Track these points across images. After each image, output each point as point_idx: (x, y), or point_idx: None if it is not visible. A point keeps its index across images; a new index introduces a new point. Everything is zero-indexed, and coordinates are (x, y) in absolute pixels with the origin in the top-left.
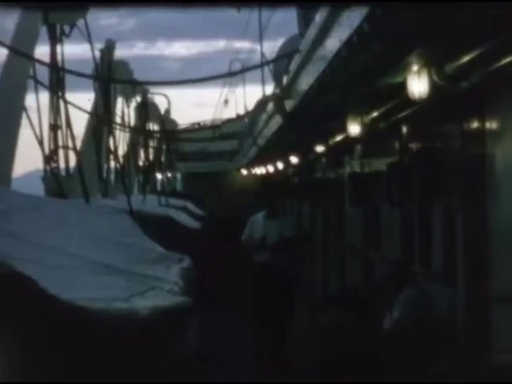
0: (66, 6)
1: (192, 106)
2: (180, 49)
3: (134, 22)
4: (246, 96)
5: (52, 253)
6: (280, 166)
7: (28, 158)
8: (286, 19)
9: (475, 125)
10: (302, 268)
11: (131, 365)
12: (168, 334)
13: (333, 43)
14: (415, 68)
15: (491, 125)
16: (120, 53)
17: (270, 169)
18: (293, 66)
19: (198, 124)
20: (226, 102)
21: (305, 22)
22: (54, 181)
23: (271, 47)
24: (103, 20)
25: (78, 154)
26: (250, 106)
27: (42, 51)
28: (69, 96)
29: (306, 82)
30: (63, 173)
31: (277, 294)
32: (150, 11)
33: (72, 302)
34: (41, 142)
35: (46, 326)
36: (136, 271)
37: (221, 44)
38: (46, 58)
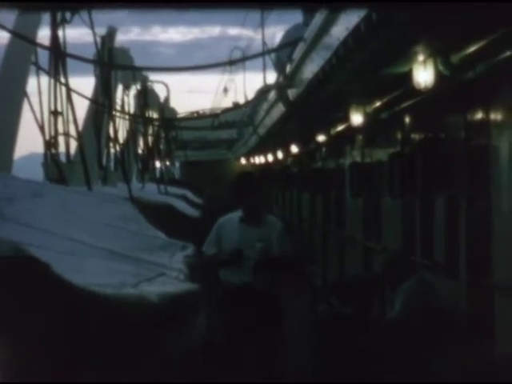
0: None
1: (187, 92)
2: (175, 35)
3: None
4: (246, 83)
5: (58, 239)
6: (280, 155)
7: (23, 142)
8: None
9: (479, 115)
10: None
11: (142, 351)
12: (177, 320)
13: (339, 31)
14: (421, 58)
15: (496, 116)
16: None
17: (270, 158)
18: (297, 54)
19: (197, 112)
20: (226, 90)
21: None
22: (55, 167)
23: (270, 33)
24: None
25: (80, 140)
26: (250, 94)
27: (40, 35)
28: (68, 80)
29: (310, 70)
30: (62, 158)
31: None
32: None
33: (85, 287)
34: (41, 128)
35: (61, 310)
36: (142, 258)
37: (216, 31)
38: (46, 42)
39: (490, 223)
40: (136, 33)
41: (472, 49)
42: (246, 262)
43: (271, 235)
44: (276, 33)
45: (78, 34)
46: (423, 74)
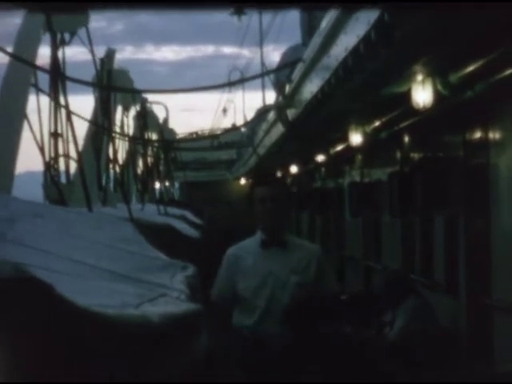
0: (67, 7)
1: (183, 111)
2: (168, 53)
3: (123, 26)
4: (245, 102)
5: (59, 260)
6: (279, 175)
7: (19, 161)
8: (284, 28)
9: (478, 134)
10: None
11: (144, 370)
12: (180, 341)
13: (338, 52)
14: (420, 77)
15: (494, 135)
16: None
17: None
18: (296, 74)
19: (196, 133)
20: (225, 110)
21: (308, 32)
22: (55, 188)
23: (267, 52)
24: (91, 23)
25: (80, 162)
26: (249, 112)
27: (39, 54)
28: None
29: (309, 90)
30: (61, 178)
31: None
32: (143, 14)
33: (88, 308)
34: (41, 149)
35: (64, 331)
36: (143, 279)
37: (209, 49)
38: (44, 61)
39: (489, 242)
40: (129, 51)
41: (470, 68)
42: (275, 305)
43: (309, 266)
44: (273, 51)
45: (73, 53)
46: (422, 94)
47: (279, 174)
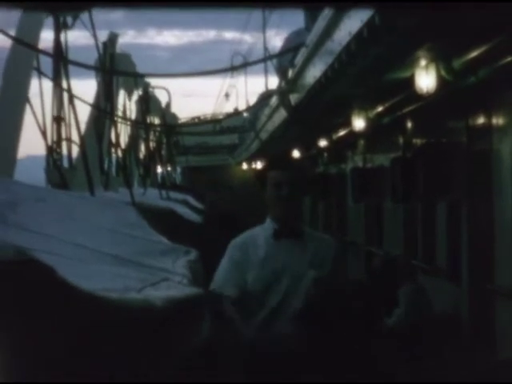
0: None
1: (184, 96)
2: (170, 38)
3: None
4: (248, 87)
5: (62, 244)
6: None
7: (20, 145)
8: (287, 12)
9: (481, 120)
10: None
11: (147, 354)
12: (183, 325)
13: (342, 36)
14: (423, 62)
15: (497, 120)
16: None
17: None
18: (299, 59)
19: (198, 118)
20: (227, 95)
21: (311, 16)
22: (57, 172)
23: (269, 36)
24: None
25: (82, 147)
26: (252, 97)
27: (41, 37)
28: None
29: (312, 75)
30: (63, 162)
31: None
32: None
33: (90, 291)
34: (44, 133)
35: (66, 314)
36: (145, 263)
37: (211, 34)
38: (47, 45)
39: (492, 228)
40: (131, 36)
41: (474, 54)
42: (289, 302)
43: (326, 259)
44: (276, 36)
45: (75, 37)
46: (425, 79)
47: (297, 156)
